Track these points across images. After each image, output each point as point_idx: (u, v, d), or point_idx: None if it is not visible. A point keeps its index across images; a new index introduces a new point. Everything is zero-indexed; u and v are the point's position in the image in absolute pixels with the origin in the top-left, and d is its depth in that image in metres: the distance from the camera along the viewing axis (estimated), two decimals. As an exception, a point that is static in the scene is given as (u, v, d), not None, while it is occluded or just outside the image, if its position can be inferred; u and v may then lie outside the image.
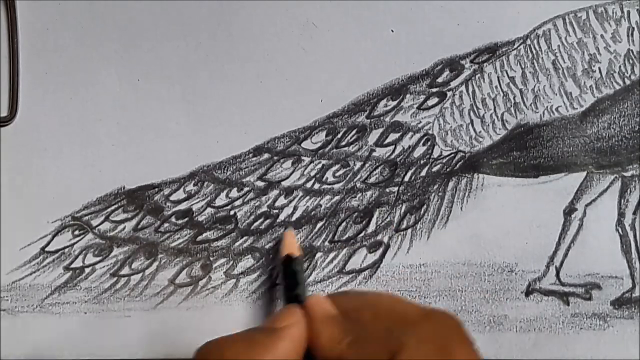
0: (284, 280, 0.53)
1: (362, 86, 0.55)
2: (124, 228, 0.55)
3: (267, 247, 0.55)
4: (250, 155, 0.55)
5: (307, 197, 0.55)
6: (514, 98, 0.55)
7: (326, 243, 0.55)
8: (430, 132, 0.55)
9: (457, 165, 0.55)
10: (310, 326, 0.46)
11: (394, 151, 0.55)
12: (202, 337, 0.54)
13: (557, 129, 0.55)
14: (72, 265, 0.55)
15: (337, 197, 0.55)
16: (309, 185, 0.55)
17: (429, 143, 0.55)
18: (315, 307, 0.47)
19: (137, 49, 0.55)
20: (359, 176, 0.55)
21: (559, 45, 0.55)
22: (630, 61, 0.55)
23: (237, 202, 0.55)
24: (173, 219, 0.55)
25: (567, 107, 0.55)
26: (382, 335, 0.43)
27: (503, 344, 0.55)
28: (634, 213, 0.55)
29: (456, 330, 0.44)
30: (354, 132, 0.55)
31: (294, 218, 0.55)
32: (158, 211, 0.55)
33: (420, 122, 0.55)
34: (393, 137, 0.55)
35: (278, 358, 0.44)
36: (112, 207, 0.55)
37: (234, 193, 0.55)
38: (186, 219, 0.55)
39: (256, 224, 0.55)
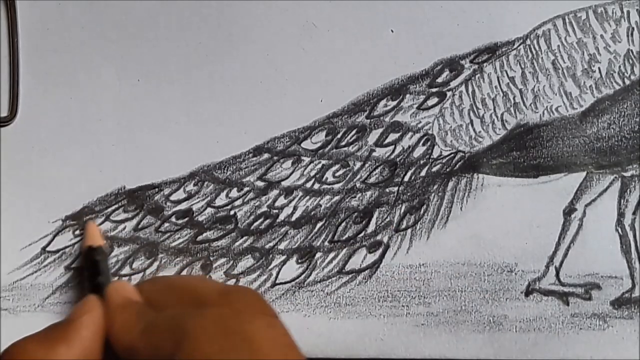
0: (86, 270, 0.53)
1: (362, 86, 0.55)
2: (124, 228, 0.55)
3: (267, 247, 0.55)
4: (250, 155, 0.55)
5: (307, 197, 0.55)
6: (513, 98, 0.55)
7: (326, 243, 0.55)
8: (430, 132, 0.55)
9: (457, 165, 0.55)
10: (107, 314, 0.47)
11: (393, 151, 0.55)
12: (202, 337, 0.54)
13: (557, 129, 0.55)
14: (73, 265, 0.55)
15: (337, 197, 0.55)
16: (309, 185, 0.55)
17: (428, 143, 0.55)
18: (113, 294, 0.48)
19: (137, 49, 0.55)
20: (358, 176, 0.55)
21: (558, 45, 0.55)
22: (630, 61, 0.55)
23: (237, 202, 0.55)
24: (173, 219, 0.55)
25: (566, 107, 0.55)
26: (169, 322, 0.43)
27: (503, 344, 0.55)
28: (634, 213, 0.55)
29: (252, 305, 0.44)
30: (353, 132, 0.55)
31: (294, 218, 0.55)
32: (158, 211, 0.55)
33: (420, 122, 0.55)
34: (393, 137, 0.55)
35: (74, 349, 0.45)
36: (113, 207, 0.55)
37: (234, 193, 0.55)
38: (186, 219, 0.55)
39: (256, 224, 0.55)
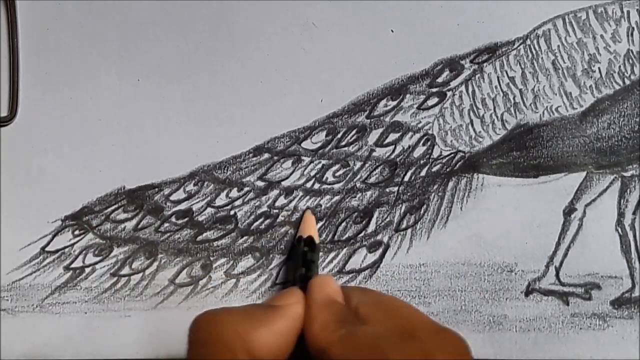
0: (294, 260, 0.53)
1: (362, 86, 0.55)
2: (124, 228, 0.55)
3: (267, 246, 0.55)
4: (250, 155, 0.55)
5: (307, 197, 0.55)
6: (513, 98, 0.55)
7: (326, 243, 0.55)
8: (430, 132, 0.55)
9: (457, 165, 0.55)
10: (308, 309, 0.46)
11: (393, 151, 0.55)
12: (202, 337, 0.54)
13: (557, 129, 0.55)
14: (72, 265, 0.55)
15: (337, 197, 0.55)
16: (309, 185, 0.55)
17: (428, 143, 0.55)
18: (317, 288, 0.47)
19: (137, 49, 0.55)
20: (359, 176, 0.55)
21: (558, 45, 0.55)
22: (630, 61, 0.55)
23: (237, 202, 0.55)
24: (173, 219, 0.55)
25: (566, 107, 0.55)
26: (372, 342, 0.42)
27: (503, 344, 0.55)
28: (634, 213, 0.56)
29: (459, 354, 0.43)
30: (354, 132, 0.55)
31: (294, 218, 0.55)
32: (158, 211, 0.55)
33: (420, 122, 0.55)
34: (393, 137, 0.55)
35: (273, 334, 0.44)
36: (112, 207, 0.55)
37: (234, 193, 0.55)
38: (186, 219, 0.55)
39: (256, 223, 0.55)
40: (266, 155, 0.55)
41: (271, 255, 0.55)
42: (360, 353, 0.42)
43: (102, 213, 0.55)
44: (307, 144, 0.55)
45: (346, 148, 0.55)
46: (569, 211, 0.55)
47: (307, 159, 0.56)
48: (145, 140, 0.55)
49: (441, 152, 0.55)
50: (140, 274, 0.55)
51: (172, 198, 0.55)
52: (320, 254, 0.55)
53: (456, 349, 0.43)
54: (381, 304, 0.46)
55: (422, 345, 0.42)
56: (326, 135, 0.55)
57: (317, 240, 0.54)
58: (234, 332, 0.43)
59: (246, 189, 0.55)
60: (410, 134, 0.55)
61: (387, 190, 0.55)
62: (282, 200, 0.55)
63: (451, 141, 0.55)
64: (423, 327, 0.44)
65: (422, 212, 0.55)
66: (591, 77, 0.55)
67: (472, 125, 0.55)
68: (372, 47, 0.55)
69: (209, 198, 0.55)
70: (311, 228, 0.54)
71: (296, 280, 0.51)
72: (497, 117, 0.55)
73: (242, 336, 0.43)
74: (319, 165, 0.56)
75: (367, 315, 0.45)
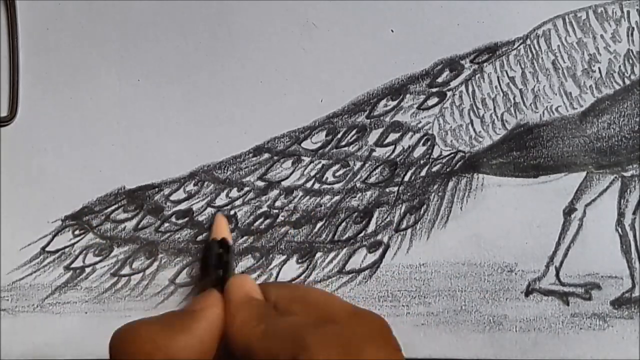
0: (209, 263, 0.52)
1: (362, 86, 0.55)
2: (124, 228, 0.55)
3: (267, 246, 0.55)
4: (250, 155, 0.55)
5: (307, 197, 0.55)
6: (513, 98, 0.55)
7: (326, 243, 0.55)
8: (430, 132, 0.55)
9: (457, 165, 0.55)
10: (227, 309, 0.46)
11: (394, 151, 0.55)
12: (202, 337, 0.54)
13: (557, 129, 0.55)
14: (73, 265, 0.55)
15: (337, 197, 0.55)
16: (309, 185, 0.55)
17: (428, 143, 0.55)
18: (235, 288, 0.47)
19: (137, 49, 0.55)
20: (359, 176, 0.55)
21: (558, 45, 0.55)
22: (630, 61, 0.55)
23: (237, 202, 0.55)
24: (173, 219, 0.55)
25: (567, 107, 0.55)
26: (291, 331, 0.42)
27: (503, 344, 0.55)
28: (634, 213, 0.55)
29: (377, 333, 0.43)
30: (354, 132, 0.55)
31: (294, 218, 0.55)
32: (158, 211, 0.55)
33: (420, 122, 0.55)
34: (393, 137, 0.55)
35: (193, 339, 0.44)
36: (112, 207, 0.55)
37: (234, 193, 0.55)
38: (186, 219, 0.55)
39: (256, 224, 0.55)
40: (266, 155, 0.55)
41: (271, 255, 0.55)
42: (281, 344, 0.42)
43: (102, 213, 0.55)
44: (307, 144, 0.55)
45: (346, 148, 0.55)
46: (569, 211, 0.55)
47: (307, 159, 0.55)
48: (145, 140, 0.55)
49: (441, 152, 0.55)
50: (141, 274, 0.55)
51: (172, 198, 0.55)
52: (320, 254, 0.55)
53: (376, 331, 0.43)
54: (298, 296, 0.47)
55: (340, 329, 0.42)
56: (326, 135, 0.55)
57: (230, 241, 0.53)
58: (152, 344, 0.43)
59: (246, 189, 0.55)
60: (410, 134, 0.55)
61: (387, 190, 0.55)
62: (282, 200, 0.55)
63: (451, 141, 0.55)
64: (341, 312, 0.45)
65: (422, 212, 0.55)
66: (591, 77, 0.55)
67: (472, 125, 0.55)
68: (372, 47, 0.55)
69: (209, 198, 0.55)
70: (224, 230, 0.54)
71: (212, 282, 0.50)
72: (497, 117, 0.55)
73: (162, 346, 0.43)
74: (319, 165, 0.56)
75: (286, 307, 0.46)
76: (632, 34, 0.55)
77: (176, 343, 0.43)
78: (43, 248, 0.54)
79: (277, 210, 0.55)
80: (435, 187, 0.55)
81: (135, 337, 0.44)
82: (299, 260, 0.55)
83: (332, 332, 0.42)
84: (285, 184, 0.55)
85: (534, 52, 0.55)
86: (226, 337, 0.45)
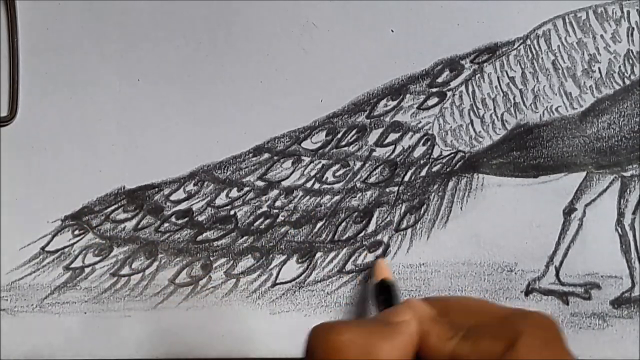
0: (379, 301, 0.53)
1: (362, 86, 0.55)
2: (124, 228, 0.55)
3: (267, 246, 0.55)
4: (250, 155, 0.55)
5: (307, 197, 0.55)
6: (513, 98, 0.55)
7: (326, 243, 0.55)
8: (430, 132, 0.55)
9: (457, 165, 0.55)
10: (420, 325, 0.45)
11: (394, 151, 0.55)
12: (202, 337, 0.55)
13: (557, 129, 0.55)
14: (72, 265, 0.55)
15: (337, 197, 0.55)
16: (309, 185, 0.55)
17: (429, 143, 0.55)
18: (418, 308, 0.47)
19: (137, 49, 0.55)
20: (359, 176, 0.55)
21: (558, 45, 0.55)
22: (630, 61, 0.55)
23: (237, 202, 0.55)
24: (173, 219, 0.55)
25: (567, 107, 0.55)
26: (496, 324, 0.42)
27: (503, 344, 0.55)
28: (634, 213, 0.56)
29: (554, 334, 0.43)
30: (354, 132, 0.55)
31: (294, 218, 0.55)
32: (158, 211, 0.55)
33: (420, 122, 0.55)
34: (393, 137, 0.55)
35: (395, 350, 0.43)
36: (112, 207, 0.55)
37: (234, 193, 0.55)
38: (186, 219, 0.55)
39: (256, 223, 0.55)
40: (266, 155, 0.55)
41: (271, 255, 0.55)
42: (492, 341, 0.42)
43: (102, 213, 0.55)
44: (307, 144, 0.55)
45: (346, 148, 0.55)
46: (569, 211, 0.55)
47: (307, 159, 0.55)
48: (145, 140, 0.55)
49: (441, 152, 0.55)
50: (140, 274, 0.55)
51: (172, 198, 0.55)
52: (320, 254, 0.55)
53: (546, 328, 0.43)
54: (463, 306, 0.46)
55: (513, 327, 0.42)
56: (326, 135, 0.55)
57: (390, 278, 0.54)
58: (358, 347, 0.43)
59: (246, 189, 0.55)
60: (410, 134, 0.55)
61: (387, 190, 0.55)
62: (282, 200, 0.55)
63: (451, 141, 0.55)
64: (511, 313, 0.44)
65: (422, 212, 0.55)
66: (591, 77, 0.55)
67: (472, 125, 0.55)
68: (372, 47, 0.55)
69: (209, 198, 0.55)
70: (386, 271, 0.54)
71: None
72: (497, 117, 0.55)
73: (368, 351, 0.43)
74: (319, 165, 0.56)
75: (460, 320, 0.45)
76: (632, 34, 0.55)
77: (381, 350, 0.43)
78: (43, 248, 0.54)
79: (277, 210, 0.55)
80: (435, 187, 0.55)
81: (337, 337, 0.44)
82: (299, 260, 0.55)
83: (538, 319, 0.42)
84: (285, 184, 0.55)
85: (534, 52, 0.55)
86: (423, 351, 0.45)
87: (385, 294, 0.52)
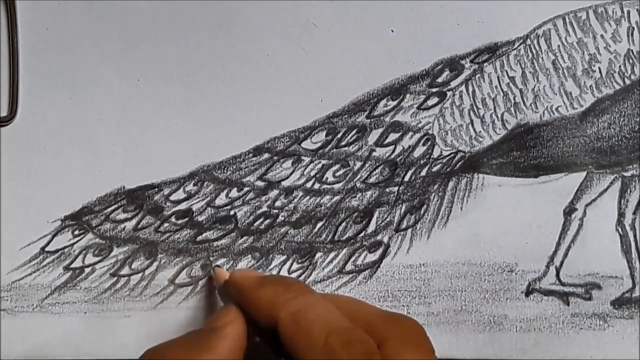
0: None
1: (362, 86, 0.55)
2: (124, 228, 0.55)
3: (267, 246, 0.55)
4: (250, 155, 0.55)
5: (307, 197, 0.55)
6: (514, 98, 0.55)
7: (326, 243, 0.55)
8: (430, 132, 0.55)
9: (457, 165, 0.55)
10: (245, 298, 0.46)
11: (394, 151, 0.55)
12: (202, 337, 0.54)
13: (557, 129, 0.55)
14: (72, 265, 0.55)
15: (337, 197, 0.55)
16: (309, 185, 0.55)
17: (429, 143, 0.55)
18: (242, 279, 0.47)
19: (137, 49, 0.55)
20: (359, 176, 0.55)
21: (559, 45, 0.55)
22: (630, 61, 0.55)
23: (237, 202, 0.55)
24: (173, 219, 0.55)
25: (567, 107, 0.55)
26: (364, 327, 0.43)
27: (503, 344, 0.55)
28: (634, 213, 0.56)
29: (412, 337, 0.44)
30: (354, 132, 0.55)
31: (294, 218, 0.55)
32: (158, 211, 0.55)
33: (420, 122, 0.55)
34: (393, 137, 0.55)
35: (218, 357, 0.44)
36: (112, 207, 0.55)
37: (234, 193, 0.55)
38: (186, 219, 0.55)
39: (256, 224, 0.55)
40: (266, 155, 0.55)
41: (271, 255, 0.55)
42: (311, 327, 0.42)
43: (102, 213, 0.55)
44: (307, 144, 0.55)
45: (346, 148, 0.55)
46: (569, 211, 0.55)
47: (307, 159, 0.55)
48: (145, 140, 0.55)
49: (441, 152, 0.55)
50: (140, 274, 0.55)
51: (172, 198, 0.55)
52: (320, 254, 0.55)
53: (412, 334, 0.44)
54: (332, 299, 0.47)
55: (381, 331, 0.43)
56: (326, 135, 0.55)
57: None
58: None
59: (246, 189, 0.55)
60: (410, 134, 0.55)
61: (387, 190, 0.55)
62: (282, 200, 0.55)
63: (451, 141, 0.55)
64: (376, 317, 0.45)
65: (422, 212, 0.55)
66: (591, 77, 0.55)
67: (472, 125, 0.55)
68: (372, 47, 0.55)
69: (208, 198, 0.55)
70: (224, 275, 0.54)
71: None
72: (497, 117, 0.55)
73: None
74: (319, 165, 0.56)
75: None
76: (632, 34, 0.55)
77: None
78: (43, 248, 0.54)
79: (277, 210, 0.55)
80: (436, 187, 0.55)
81: (162, 358, 0.44)
82: (299, 260, 0.55)
83: (403, 326, 0.43)
84: (285, 184, 0.55)
85: (534, 52, 0.55)
86: (257, 327, 0.45)
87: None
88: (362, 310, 0.46)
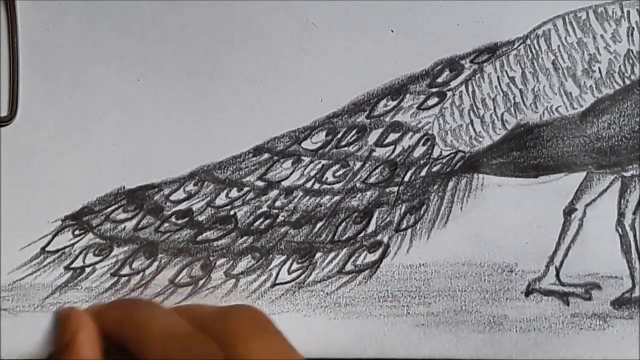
0: None
1: (362, 86, 0.55)
2: (124, 228, 0.55)
3: (267, 246, 0.55)
4: (250, 155, 0.55)
5: (307, 197, 0.55)
6: (514, 98, 0.55)
7: (326, 243, 0.55)
8: (430, 132, 0.55)
9: (457, 165, 0.55)
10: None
11: (394, 151, 0.55)
12: (202, 337, 0.54)
13: (557, 129, 0.55)
14: (73, 265, 0.55)
15: (337, 197, 0.55)
16: (309, 185, 0.55)
17: (429, 143, 0.55)
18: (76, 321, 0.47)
19: (137, 49, 0.55)
20: (359, 176, 0.55)
21: (558, 45, 0.55)
22: (630, 61, 0.55)
23: (237, 202, 0.55)
24: (173, 219, 0.55)
25: (567, 107, 0.55)
26: (201, 329, 0.44)
27: (503, 344, 0.55)
28: (634, 213, 0.55)
29: (249, 324, 0.44)
30: (354, 132, 0.55)
31: (294, 218, 0.55)
32: (158, 211, 0.55)
33: (420, 122, 0.55)
34: (393, 137, 0.55)
35: None
36: (112, 207, 0.55)
37: (234, 193, 0.55)
38: (186, 219, 0.55)
39: (256, 224, 0.55)
40: (266, 155, 0.55)
41: (271, 255, 0.55)
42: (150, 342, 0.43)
43: (102, 213, 0.55)
44: (307, 144, 0.55)
45: (346, 148, 0.55)
46: (569, 211, 0.55)
47: (307, 159, 0.55)
48: (145, 140, 0.55)
49: (441, 152, 0.55)
50: (141, 274, 0.55)
51: (172, 198, 0.55)
52: (320, 254, 0.55)
53: (246, 322, 0.45)
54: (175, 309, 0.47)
55: (221, 327, 0.44)
56: (326, 135, 0.55)
57: None
58: None
59: (246, 189, 0.55)
60: (410, 134, 0.55)
61: (387, 190, 0.55)
62: (282, 200, 0.55)
63: (451, 141, 0.55)
64: (208, 316, 0.46)
65: (422, 212, 0.55)
66: (591, 77, 0.55)
67: (472, 125, 0.55)
68: (372, 47, 0.55)
69: (209, 198, 0.55)
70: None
71: None
72: (497, 117, 0.55)
73: None
74: (319, 165, 0.56)
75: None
76: (632, 34, 0.55)
77: None
78: (43, 248, 0.54)
79: (277, 210, 0.55)
80: (435, 187, 0.55)
81: None
82: (299, 260, 0.55)
83: (244, 317, 0.44)
84: (285, 184, 0.55)
85: (534, 52, 0.55)
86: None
87: None
88: (197, 312, 0.46)
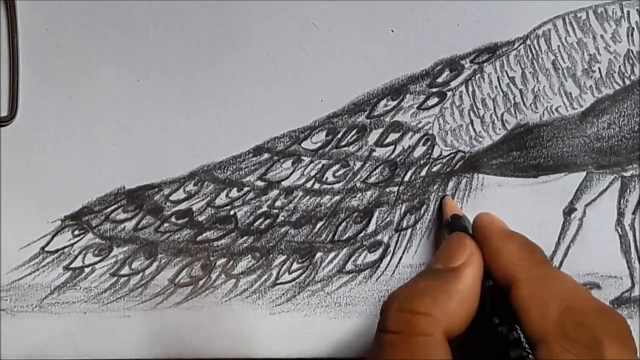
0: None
1: (362, 86, 0.55)
2: (123, 228, 0.55)
3: (267, 246, 0.55)
4: (250, 155, 0.55)
5: (307, 197, 0.55)
6: (513, 98, 0.55)
7: (326, 243, 0.55)
8: (430, 132, 0.55)
9: (457, 165, 0.55)
10: (487, 243, 0.45)
11: (394, 151, 0.55)
12: (202, 337, 0.55)
13: (557, 129, 0.55)
14: (72, 265, 0.55)
15: (337, 197, 0.55)
16: (309, 185, 0.55)
17: (429, 143, 0.55)
18: (489, 223, 0.46)
19: (137, 49, 0.55)
20: (359, 176, 0.55)
21: (558, 46, 0.55)
22: (630, 61, 0.55)
23: (237, 202, 0.55)
24: (173, 219, 0.55)
25: (567, 107, 0.55)
26: (562, 295, 0.42)
27: (503, 344, 0.55)
28: (634, 213, 0.56)
29: (621, 331, 0.42)
30: (354, 132, 0.55)
31: (294, 218, 0.55)
32: (158, 211, 0.55)
33: (420, 122, 0.55)
34: (393, 137, 0.55)
35: (463, 299, 0.43)
36: (112, 207, 0.55)
37: (234, 193, 0.55)
38: (186, 219, 0.55)
39: (256, 224, 0.55)
40: (266, 155, 0.55)
41: (271, 255, 0.55)
42: (549, 298, 0.41)
43: (102, 213, 0.55)
44: (307, 144, 0.55)
45: (346, 148, 0.55)
46: (569, 211, 0.55)
47: (307, 159, 0.55)
48: (145, 140, 0.55)
49: (441, 152, 0.55)
50: (140, 274, 0.55)
51: (172, 198, 0.55)
52: (320, 254, 0.55)
53: (620, 329, 0.42)
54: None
55: (590, 328, 0.41)
56: (326, 135, 0.55)
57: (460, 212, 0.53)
58: (429, 318, 0.42)
59: (246, 189, 0.55)
60: (410, 134, 0.55)
61: (387, 190, 0.55)
62: (282, 200, 0.55)
63: (451, 141, 0.55)
64: (591, 304, 0.43)
65: (422, 212, 0.55)
66: (591, 77, 0.55)
67: (472, 125, 0.55)
68: (372, 47, 0.55)
69: (209, 198, 0.55)
70: (455, 207, 0.53)
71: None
72: (497, 117, 0.55)
73: (438, 320, 0.42)
74: (319, 165, 0.56)
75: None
76: (632, 34, 0.55)
77: (448, 310, 0.42)
78: (42, 248, 0.54)
79: (277, 210, 0.55)
80: (435, 187, 0.55)
81: (411, 306, 0.42)
82: (299, 260, 0.55)
83: (585, 332, 0.41)
84: (285, 184, 0.55)
85: (534, 52, 0.55)
86: (494, 277, 0.44)
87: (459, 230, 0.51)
88: (584, 294, 0.44)
